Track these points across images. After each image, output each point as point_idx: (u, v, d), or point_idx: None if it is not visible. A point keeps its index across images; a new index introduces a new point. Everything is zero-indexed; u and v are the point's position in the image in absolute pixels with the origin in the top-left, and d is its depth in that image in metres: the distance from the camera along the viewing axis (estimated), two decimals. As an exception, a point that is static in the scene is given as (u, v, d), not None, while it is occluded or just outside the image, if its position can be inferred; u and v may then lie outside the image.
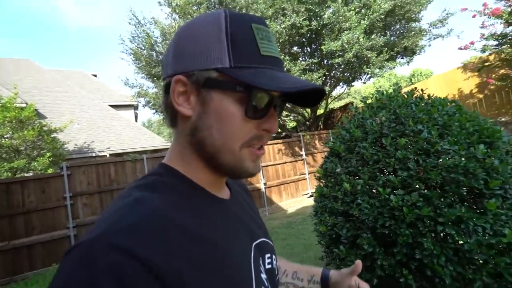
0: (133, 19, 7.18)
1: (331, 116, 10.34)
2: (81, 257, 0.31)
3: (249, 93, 0.40)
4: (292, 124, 11.11)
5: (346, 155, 2.09)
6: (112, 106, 12.96)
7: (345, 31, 6.56)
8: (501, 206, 1.51)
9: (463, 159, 1.58)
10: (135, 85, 7.77)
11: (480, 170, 1.52)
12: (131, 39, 7.38)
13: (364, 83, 8.75)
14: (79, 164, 5.13)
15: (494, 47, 6.13)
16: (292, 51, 7.63)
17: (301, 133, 7.85)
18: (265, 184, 6.75)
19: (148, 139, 11.18)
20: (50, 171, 6.23)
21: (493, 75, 6.68)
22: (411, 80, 25.58)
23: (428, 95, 2.11)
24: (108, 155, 9.43)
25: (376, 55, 6.92)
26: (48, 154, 6.46)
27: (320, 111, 9.81)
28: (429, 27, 8.08)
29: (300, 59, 7.67)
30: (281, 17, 6.31)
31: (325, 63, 7.78)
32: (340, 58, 6.77)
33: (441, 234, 1.59)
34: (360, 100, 2.46)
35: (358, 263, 0.63)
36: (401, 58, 8.68)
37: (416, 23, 8.10)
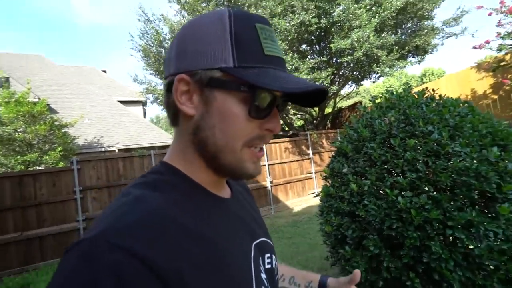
0: (143, 16, 7.25)
1: (339, 115, 10.23)
2: (81, 255, 0.31)
3: (253, 93, 0.40)
4: (299, 122, 11.05)
5: (354, 155, 2.06)
6: (121, 102, 13.15)
7: (355, 29, 6.46)
8: (514, 211, 1.46)
9: (475, 161, 1.54)
10: (144, 82, 7.86)
11: (493, 174, 1.48)
12: (141, 36, 7.45)
13: (373, 82, 8.62)
14: (88, 159, 5.23)
15: (510, 46, 5.94)
16: (300, 49, 7.57)
17: (309, 132, 7.80)
18: (271, 182, 6.74)
19: (156, 135, 11.31)
20: (61, 165, 6.38)
21: (509, 75, 6.48)
22: (422, 79, 25.07)
23: (440, 96, 2.06)
24: (117, 150, 9.59)
25: (386, 53, 6.80)
26: (59, 148, 6.61)
27: (328, 110, 9.73)
28: (442, 25, 7.88)
29: (309, 57, 7.60)
30: (290, 15, 6.25)
31: (334, 61, 7.69)
32: (349, 57, 6.68)
33: (450, 238, 1.56)
34: (369, 100, 2.42)
35: (357, 272, 0.63)
36: (412, 57, 8.51)
37: (429, 21, 7.90)
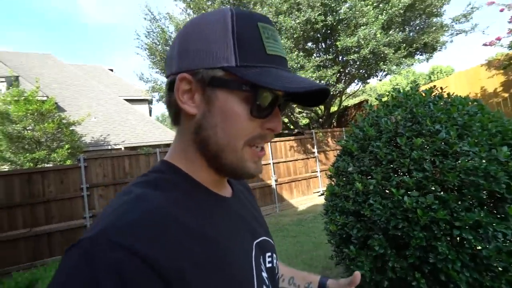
0: (149, 14, 7.29)
1: (345, 114, 10.15)
2: (82, 254, 0.31)
3: (255, 93, 0.40)
4: (304, 121, 11.00)
5: (359, 154, 2.04)
6: (127, 100, 13.27)
7: (362, 27, 6.38)
8: (523, 212, 1.43)
9: (484, 161, 1.51)
10: (150, 80, 7.92)
11: (502, 174, 1.45)
12: (146, 34, 7.50)
13: (380, 80, 8.52)
14: (95, 157, 5.29)
15: (522, 43, 5.79)
16: (306, 47, 7.51)
17: (314, 130, 7.76)
18: (276, 180, 6.73)
19: (162, 133, 11.39)
20: (68, 162, 6.48)
21: (520, 73, 6.32)
22: (430, 77, 24.67)
23: (448, 94, 2.02)
24: (123, 148, 9.69)
25: (393, 51, 6.71)
26: (66, 146, 6.71)
27: (334, 109, 9.66)
28: (452, 22, 7.73)
29: (315, 55, 7.54)
30: (296, 12, 6.20)
31: (340, 59, 7.62)
32: (355, 55, 6.61)
33: (457, 239, 1.53)
34: (375, 98, 2.39)
35: (357, 274, 0.62)
36: (420, 55, 8.37)
37: (438, 18, 7.76)
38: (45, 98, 7.91)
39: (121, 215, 0.34)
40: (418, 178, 1.61)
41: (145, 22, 8.21)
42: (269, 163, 6.70)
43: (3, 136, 6.19)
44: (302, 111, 8.86)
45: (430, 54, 8.22)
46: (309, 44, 7.76)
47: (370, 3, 6.45)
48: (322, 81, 6.65)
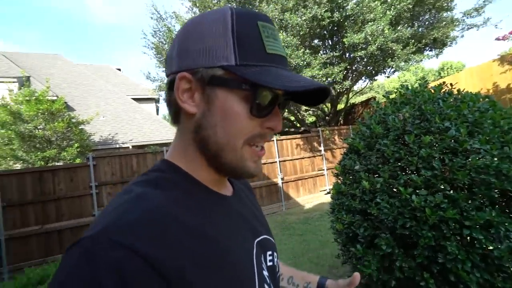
0: (155, 13, 7.33)
1: (352, 111, 10.03)
2: (83, 252, 0.31)
3: (255, 92, 0.40)
4: (311, 119, 10.93)
5: (366, 152, 2.01)
6: (134, 99, 13.42)
7: (369, 23, 6.28)
8: (537, 211, 1.39)
9: (495, 159, 1.47)
10: (157, 79, 7.98)
11: (515, 172, 1.41)
12: (153, 34, 7.55)
13: (388, 77, 8.37)
14: (103, 155, 5.38)
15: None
16: (312, 44, 7.44)
17: (320, 128, 7.70)
18: (282, 179, 6.72)
19: (169, 132, 11.49)
20: (77, 161, 6.60)
21: (534, 68, 6.13)
22: (440, 74, 24.16)
23: (458, 90, 1.97)
24: (130, 147, 9.81)
25: (402, 47, 6.58)
26: (76, 145, 6.84)
27: (341, 106, 9.56)
28: (463, 16, 7.53)
29: (321, 52, 7.47)
30: (302, 9, 6.14)
31: (346, 56, 7.52)
32: (362, 51, 6.51)
33: (468, 238, 1.50)
34: (383, 95, 2.35)
35: (356, 275, 0.61)
36: (430, 51, 8.19)
37: (448, 12, 7.58)
38: (55, 98, 8.06)
39: (121, 214, 0.34)
40: (427, 176, 1.58)
41: (152, 21, 8.27)
42: (276, 161, 6.69)
43: (16, 135, 6.34)
44: (309, 109, 8.80)
45: (440, 50, 8.03)
46: (316, 41, 7.68)
47: (378, -2, 6.34)
48: (329, 79, 6.58)
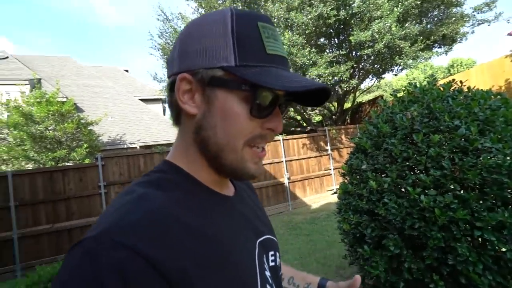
0: (161, 15, 7.39)
1: (359, 110, 9.92)
2: (85, 253, 0.31)
3: (254, 92, 0.40)
4: (318, 118, 10.85)
5: (373, 152, 1.99)
6: (142, 100, 13.58)
7: (376, 20, 6.20)
8: (552, 212, 1.34)
9: (508, 158, 1.43)
10: (163, 80, 8.05)
11: (528, 171, 1.36)
12: (159, 35, 7.62)
13: (395, 75, 8.25)
14: (112, 156, 5.46)
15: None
16: (318, 43, 7.38)
17: (327, 128, 7.64)
18: (288, 178, 6.70)
19: (176, 132, 11.56)
20: (87, 161, 6.72)
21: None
22: (449, 71, 23.66)
23: (468, 88, 1.92)
24: (138, 147, 9.93)
25: (409, 44, 6.47)
26: (85, 145, 6.96)
27: (348, 105, 9.46)
28: (473, 11, 7.36)
29: (327, 51, 7.40)
30: (308, 8, 6.10)
31: (353, 54, 7.43)
32: (369, 49, 6.43)
33: (479, 240, 1.46)
34: (390, 94, 2.31)
35: (357, 278, 0.61)
36: (439, 47, 8.03)
37: (458, 8, 7.41)
38: (65, 99, 8.22)
39: (123, 215, 0.34)
40: (436, 176, 1.55)
41: (158, 23, 8.33)
42: (282, 161, 6.67)
43: (27, 136, 6.49)
44: (315, 108, 8.73)
45: (449, 46, 7.87)
46: (322, 39, 7.61)
47: (385, -5, 6.24)
48: (335, 77, 6.52)
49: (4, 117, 6.95)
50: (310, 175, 7.06)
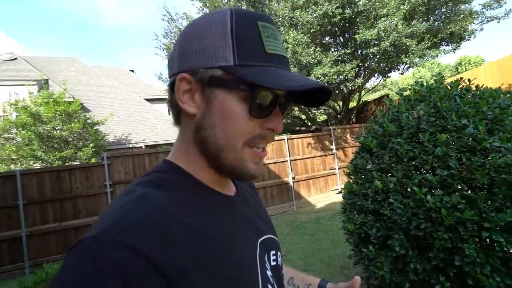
0: (166, 15, 7.43)
1: (364, 109, 9.83)
2: (85, 253, 0.31)
3: (253, 92, 0.39)
4: (322, 117, 10.79)
5: (378, 151, 1.97)
6: (147, 99, 13.69)
7: (382, 18, 6.13)
8: None
9: (517, 158, 1.40)
10: (168, 80, 8.08)
11: (538, 171, 1.33)
12: (164, 35, 7.66)
13: (401, 73, 8.15)
14: (117, 155, 5.52)
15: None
16: (323, 41, 7.34)
17: (332, 127, 7.59)
18: (293, 178, 6.68)
19: (180, 131, 11.62)
20: (93, 160, 6.80)
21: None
22: (457, 69, 23.30)
23: (477, 86, 1.89)
24: (143, 147, 10.01)
25: (416, 42, 6.38)
26: (91, 145, 7.05)
27: (353, 104, 9.39)
28: (482, 8, 7.23)
29: (332, 49, 7.35)
30: (313, 6, 6.06)
31: (359, 53, 7.37)
32: (375, 48, 6.36)
33: (487, 241, 1.44)
34: (396, 92, 2.28)
35: (357, 279, 0.60)
36: (446, 45, 7.92)
37: (466, 5, 7.29)
38: (71, 100, 8.33)
39: (124, 215, 0.34)
40: (443, 176, 1.53)
41: (163, 23, 8.39)
42: (287, 160, 6.65)
43: (35, 136, 6.60)
44: (320, 107, 8.68)
45: (457, 44, 7.74)
46: (327, 38, 7.56)
47: (391, -8, 6.17)
48: (341, 76, 6.47)
49: (13, 117, 7.08)
50: (315, 175, 7.04)
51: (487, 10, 7.21)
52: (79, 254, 0.31)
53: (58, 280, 0.31)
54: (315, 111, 8.86)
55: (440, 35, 7.03)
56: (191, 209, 0.39)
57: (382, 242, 1.81)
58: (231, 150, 0.41)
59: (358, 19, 6.61)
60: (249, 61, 0.39)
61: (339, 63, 6.60)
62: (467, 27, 7.33)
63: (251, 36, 0.40)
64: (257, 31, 0.40)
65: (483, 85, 1.91)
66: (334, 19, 6.25)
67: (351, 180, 2.22)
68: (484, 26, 7.72)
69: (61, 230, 4.77)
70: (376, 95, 14.21)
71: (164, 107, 14.84)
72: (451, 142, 1.59)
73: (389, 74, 8.33)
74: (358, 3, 6.35)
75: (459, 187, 1.49)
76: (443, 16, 7.53)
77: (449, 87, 1.92)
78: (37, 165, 6.96)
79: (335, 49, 7.51)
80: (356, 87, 7.70)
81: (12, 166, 6.93)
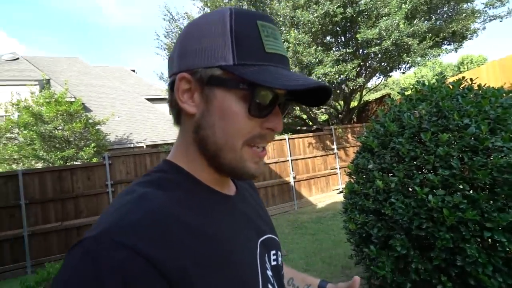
0: (168, 15, 7.44)
1: (366, 109, 9.80)
2: (85, 253, 0.31)
3: (253, 91, 0.39)
4: (324, 117, 10.78)
5: (380, 151, 1.96)
6: (148, 99, 13.71)
7: (384, 17, 6.10)
8: None
9: (519, 157, 1.39)
10: (169, 79, 8.09)
11: (541, 171, 1.32)
12: (165, 35, 7.67)
13: (403, 73, 8.12)
14: (118, 155, 5.52)
15: None
16: (325, 41, 7.32)
17: (333, 127, 7.58)
18: (294, 178, 6.67)
19: (181, 131, 11.63)
20: (94, 160, 6.81)
21: None
22: (459, 68, 23.21)
23: (479, 85, 1.88)
24: (145, 146, 10.03)
25: (418, 42, 6.35)
26: (93, 145, 7.06)
27: (354, 104, 9.37)
28: (484, 7, 7.19)
29: (333, 49, 7.33)
30: (314, 6, 6.05)
31: (360, 52, 7.35)
32: (377, 47, 6.34)
33: (489, 241, 1.43)
34: (398, 92, 2.28)
35: (356, 279, 0.60)
36: (448, 44, 7.88)
37: (468, 3, 7.24)
38: (73, 99, 8.34)
39: (124, 215, 0.34)
40: (444, 176, 1.52)
41: (164, 22, 8.39)
42: (288, 160, 6.65)
43: (37, 135, 6.62)
44: (321, 107, 8.67)
45: (459, 43, 7.71)
46: (328, 38, 7.54)
47: (393, -8, 6.14)
48: (342, 76, 6.46)
49: (15, 117, 7.11)
50: (316, 174, 7.03)
51: (490, 9, 7.17)
52: (80, 254, 0.31)
53: (59, 280, 0.31)
54: (316, 111, 8.85)
55: (442, 34, 7.00)
56: (191, 209, 0.39)
57: (383, 242, 1.80)
58: (231, 150, 0.41)
59: (359, 18, 6.59)
60: (249, 60, 0.39)
61: (341, 62, 6.59)
62: (469, 26, 7.29)
63: (250, 36, 0.40)
64: (256, 31, 0.40)
65: (485, 84, 1.90)
66: (336, 18, 6.23)
67: (352, 180, 2.22)
68: (487, 25, 7.70)
69: (63, 229, 4.78)
70: (377, 95, 14.18)
71: (165, 107, 14.85)
72: (453, 142, 1.58)
73: (390, 74, 8.30)
74: (360, 2, 6.34)
75: (461, 187, 1.48)
76: (445, 15, 7.49)
77: (451, 86, 1.92)
78: (39, 165, 6.98)
79: (337, 48, 7.49)
80: (357, 86, 7.68)
81: (14, 166, 6.96)
